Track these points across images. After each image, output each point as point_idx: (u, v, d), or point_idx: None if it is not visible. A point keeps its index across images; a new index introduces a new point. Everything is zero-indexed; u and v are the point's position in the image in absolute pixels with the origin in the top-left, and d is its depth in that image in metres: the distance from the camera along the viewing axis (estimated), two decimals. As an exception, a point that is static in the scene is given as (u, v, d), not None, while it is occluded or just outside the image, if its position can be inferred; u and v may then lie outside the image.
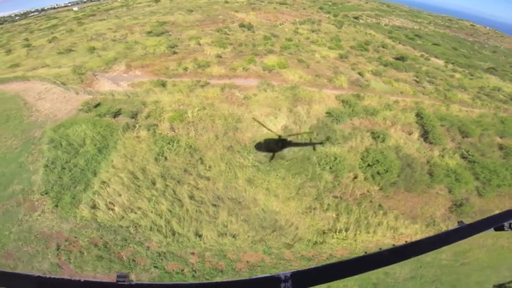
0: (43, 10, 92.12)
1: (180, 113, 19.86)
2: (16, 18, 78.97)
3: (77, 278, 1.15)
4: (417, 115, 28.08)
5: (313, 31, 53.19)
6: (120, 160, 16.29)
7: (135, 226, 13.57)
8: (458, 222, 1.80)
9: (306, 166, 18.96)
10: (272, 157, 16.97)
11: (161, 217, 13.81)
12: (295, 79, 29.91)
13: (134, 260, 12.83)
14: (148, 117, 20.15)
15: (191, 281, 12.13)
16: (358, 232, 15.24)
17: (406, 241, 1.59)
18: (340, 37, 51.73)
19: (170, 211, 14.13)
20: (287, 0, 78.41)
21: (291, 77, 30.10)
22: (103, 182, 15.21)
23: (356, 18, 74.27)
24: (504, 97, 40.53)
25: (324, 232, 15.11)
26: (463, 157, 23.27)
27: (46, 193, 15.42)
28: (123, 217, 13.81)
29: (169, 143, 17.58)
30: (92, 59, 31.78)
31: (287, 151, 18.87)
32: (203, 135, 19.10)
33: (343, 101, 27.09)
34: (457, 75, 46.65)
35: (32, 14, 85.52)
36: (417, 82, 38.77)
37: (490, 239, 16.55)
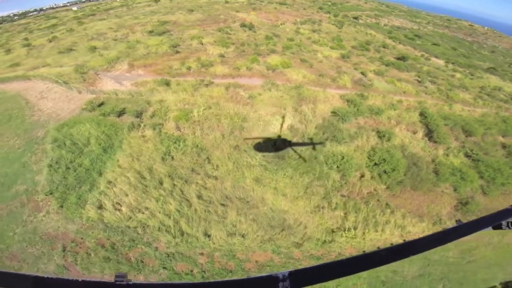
0: (41, 10, 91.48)
1: (186, 112, 19.66)
2: (15, 18, 78.27)
3: (75, 278, 1.14)
4: (421, 114, 28.28)
5: (314, 31, 53.28)
6: (126, 160, 16.04)
7: (143, 227, 13.32)
8: (456, 220, 1.80)
9: (314, 165, 18.87)
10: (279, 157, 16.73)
11: (169, 217, 13.58)
12: (299, 78, 29.87)
13: (142, 261, 12.58)
14: (153, 116, 19.92)
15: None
16: (367, 230, 15.24)
17: (404, 240, 1.57)
18: (341, 37, 51.86)
19: (179, 211, 13.91)
20: (287, 0, 78.58)
21: (295, 77, 30.07)
22: (109, 182, 14.95)
23: (355, 18, 74.59)
24: (505, 96, 40.85)
25: (333, 231, 15.10)
26: (467, 155, 23.49)
27: (50, 194, 15.13)
28: (130, 218, 13.55)
29: (175, 143, 17.36)
30: (93, 58, 31.48)
31: (287, 151, 18.78)
32: (209, 134, 18.91)
33: (347, 101, 27.17)
34: (458, 75, 46.95)
35: (31, 14, 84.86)
36: (419, 82, 38.94)
37: (496, 237, 16.62)
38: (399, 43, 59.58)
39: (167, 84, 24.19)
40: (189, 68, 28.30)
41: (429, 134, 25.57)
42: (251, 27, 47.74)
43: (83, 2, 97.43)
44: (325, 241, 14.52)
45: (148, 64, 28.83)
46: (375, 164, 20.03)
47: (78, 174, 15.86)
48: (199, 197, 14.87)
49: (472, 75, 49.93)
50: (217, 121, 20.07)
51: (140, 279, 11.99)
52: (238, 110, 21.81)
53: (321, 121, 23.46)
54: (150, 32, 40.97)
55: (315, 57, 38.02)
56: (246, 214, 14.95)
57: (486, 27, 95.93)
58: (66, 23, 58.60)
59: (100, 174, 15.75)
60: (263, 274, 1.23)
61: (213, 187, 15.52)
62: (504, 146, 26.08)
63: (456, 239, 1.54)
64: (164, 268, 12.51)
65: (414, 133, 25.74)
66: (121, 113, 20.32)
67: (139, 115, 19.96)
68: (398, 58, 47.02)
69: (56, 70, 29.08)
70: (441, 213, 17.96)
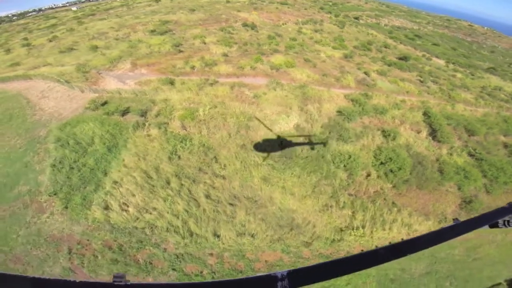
0: (40, 10, 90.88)
1: (191, 111, 19.38)
2: (14, 18, 77.62)
3: (72, 279, 1.13)
4: (424, 114, 28.46)
5: (316, 31, 53.28)
6: (132, 159, 15.71)
7: (151, 227, 12.99)
8: (453, 219, 1.79)
9: (321, 164, 18.72)
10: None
11: (177, 218, 13.27)
12: (303, 78, 29.74)
13: (151, 263, 12.25)
14: (158, 115, 19.61)
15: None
16: (375, 229, 15.26)
17: (402, 239, 1.56)
18: (343, 37, 51.89)
19: (187, 211, 13.60)
20: (288, 0, 78.68)
21: (299, 76, 29.94)
22: (115, 182, 14.61)
23: (356, 18, 74.79)
24: (506, 96, 41.09)
25: (341, 230, 15.07)
26: (470, 155, 23.70)
27: (54, 194, 14.75)
28: (137, 218, 13.22)
29: (181, 142, 17.06)
30: (95, 58, 31.12)
31: (287, 151, 18.58)
32: (215, 133, 18.64)
33: (352, 100, 27.15)
34: (459, 75, 47.13)
35: (29, 14, 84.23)
36: (421, 82, 39.03)
37: (499, 235, 16.80)
38: (400, 43, 59.77)
39: (172, 83, 23.90)
40: (193, 67, 28.04)
41: (433, 134, 25.72)
42: (253, 26, 47.62)
43: (82, 2, 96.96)
44: (334, 240, 14.51)
45: (151, 63, 28.54)
46: (382, 163, 20.08)
47: (83, 174, 15.50)
48: (207, 196, 14.58)
49: (472, 75, 50.15)
50: (223, 120, 19.81)
51: (149, 281, 11.68)
52: (244, 109, 21.58)
53: (327, 121, 23.36)
54: (152, 31, 40.68)
55: (318, 57, 37.94)
56: (255, 214, 14.75)
57: (485, 27, 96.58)
58: (66, 23, 58.15)
59: (105, 174, 15.39)
60: (263, 273, 1.22)
61: (221, 186, 15.24)
62: (506, 146, 26.38)
63: (454, 238, 1.53)
64: (173, 269, 12.20)
65: (418, 132, 25.84)
66: (125, 112, 19.99)
67: (143, 114, 19.64)
68: (400, 58, 47.10)
69: (57, 69, 28.69)
70: (446, 211, 18.07)
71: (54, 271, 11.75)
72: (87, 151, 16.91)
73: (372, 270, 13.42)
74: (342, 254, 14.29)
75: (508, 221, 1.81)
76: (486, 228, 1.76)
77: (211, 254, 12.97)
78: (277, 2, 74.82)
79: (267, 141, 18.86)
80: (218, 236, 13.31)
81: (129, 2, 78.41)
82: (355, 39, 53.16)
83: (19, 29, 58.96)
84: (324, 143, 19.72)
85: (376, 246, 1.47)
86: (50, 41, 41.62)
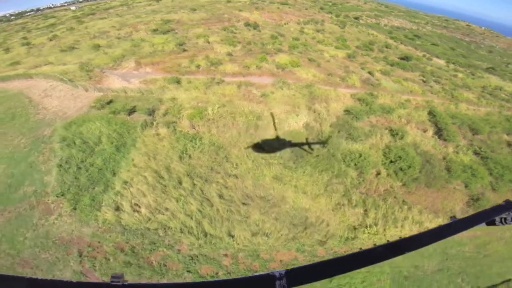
0: (38, 10, 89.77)
1: (200, 110, 19.07)
2: (12, 18, 76.52)
3: (69, 279, 1.12)
4: (429, 113, 28.64)
5: (318, 31, 53.36)
6: (142, 159, 15.32)
7: (164, 228, 12.62)
8: (450, 217, 1.78)
9: (332, 163, 18.59)
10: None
11: (191, 218, 12.93)
12: (309, 77, 29.65)
13: (165, 265, 11.88)
14: (166, 114, 19.25)
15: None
16: (387, 226, 15.27)
17: (400, 237, 1.52)
18: (344, 37, 52.04)
19: (200, 211, 13.27)
20: (288, 0, 78.84)
21: (304, 76, 29.84)
22: (125, 182, 14.20)
23: (356, 18, 75.17)
24: (506, 96, 41.55)
25: (354, 228, 15.05)
26: (475, 153, 23.91)
27: (62, 195, 14.29)
28: (150, 219, 12.84)
29: (191, 141, 16.74)
30: (98, 56, 30.64)
31: (288, 151, 18.37)
32: (225, 132, 18.35)
33: (358, 99, 27.21)
34: (460, 75, 47.52)
35: (27, 14, 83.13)
36: (424, 81, 39.26)
37: (508, 232, 16.84)
38: (401, 43, 60.16)
39: (178, 82, 23.56)
40: (198, 66, 27.73)
41: (439, 133, 25.88)
42: (255, 26, 47.49)
43: (81, 2, 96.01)
44: (347, 238, 14.48)
45: (155, 62, 28.16)
46: (391, 161, 20.14)
47: (91, 174, 15.07)
48: (221, 196, 14.27)
49: (473, 75, 50.62)
50: (232, 119, 19.54)
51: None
52: (252, 108, 21.36)
53: (335, 120, 23.29)
54: (154, 30, 40.30)
55: (322, 57, 37.92)
56: (268, 213, 14.53)
57: (483, 27, 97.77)
58: (65, 22, 57.42)
59: (114, 174, 14.99)
60: (260, 273, 1.21)
61: (234, 186, 14.95)
62: (509, 144, 26.74)
63: (451, 235, 1.55)
64: (188, 271, 11.84)
65: (424, 131, 25.99)
66: (131, 111, 19.60)
67: (151, 113, 19.27)
68: (402, 58, 47.34)
69: (59, 68, 28.15)
70: (455, 209, 18.20)
71: (65, 275, 11.32)
72: (94, 150, 16.48)
73: (386, 268, 13.48)
74: (356, 252, 14.24)
75: (505, 219, 1.80)
76: (483, 225, 1.75)
77: (226, 255, 12.67)
78: (278, 2, 74.91)
79: (266, 141, 18.68)
80: (233, 236, 13.01)
81: (129, 1, 77.83)
82: (357, 39, 53.36)
83: (18, 28, 58.05)
84: (323, 143, 19.59)
85: (374, 244, 1.45)
86: (51, 40, 40.97)
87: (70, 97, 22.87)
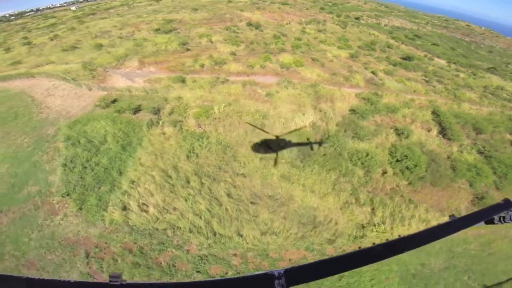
0: (38, 10, 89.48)
1: (206, 109, 18.87)
2: (12, 18, 76.15)
3: (67, 279, 1.13)
4: (433, 112, 28.67)
5: (320, 31, 53.39)
6: (148, 158, 15.09)
7: (173, 228, 12.37)
8: (449, 216, 1.80)
9: (340, 162, 18.48)
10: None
11: (200, 218, 12.70)
12: (313, 77, 29.58)
13: (174, 266, 11.63)
14: (171, 113, 19.03)
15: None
16: (394, 225, 15.27)
17: (399, 235, 1.56)
18: (346, 37, 52.08)
19: (209, 210, 13.05)
20: (288, 0, 78.94)
21: (308, 75, 29.77)
22: (132, 182, 13.96)
23: (357, 18, 75.33)
24: (508, 96, 41.65)
25: (363, 226, 15.02)
26: (479, 152, 23.98)
27: (67, 195, 14.03)
28: (158, 219, 12.60)
29: (198, 140, 16.53)
30: (101, 56, 30.41)
31: (286, 151, 18.22)
32: (232, 131, 18.17)
33: (363, 99, 27.17)
34: (462, 75, 47.61)
35: (27, 14, 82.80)
36: (426, 81, 39.28)
37: None
38: (402, 43, 60.27)
39: (183, 81, 23.36)
40: (202, 65, 27.56)
41: (443, 132, 25.94)
42: (257, 26, 47.43)
43: (80, 2, 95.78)
44: (356, 236, 14.48)
45: (159, 61, 27.96)
46: (397, 160, 20.14)
47: (97, 174, 14.81)
48: (229, 195, 14.06)
49: (474, 75, 50.75)
50: (238, 118, 19.35)
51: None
52: (258, 107, 21.21)
53: (341, 119, 23.21)
54: (157, 30, 40.12)
55: (325, 57, 37.87)
56: (277, 212, 14.39)
57: (483, 27, 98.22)
58: (65, 22, 57.16)
59: (121, 173, 14.73)
60: (259, 272, 1.21)
61: (242, 185, 14.75)
62: (512, 143, 26.63)
63: (450, 234, 1.56)
64: (198, 272, 11.61)
65: (429, 130, 26.02)
66: (136, 110, 19.36)
67: (156, 112, 19.05)
68: (404, 58, 47.39)
69: (61, 67, 27.89)
70: (460, 207, 18.20)
71: (72, 277, 11.04)
72: (100, 149, 16.23)
73: (394, 266, 13.59)
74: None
75: (504, 217, 1.82)
76: (482, 224, 1.77)
77: (235, 255, 12.48)
78: (279, 2, 74.99)
79: (265, 142, 18.55)
80: (242, 236, 12.81)
81: (129, 1, 77.66)
82: (358, 39, 53.41)
83: (18, 28, 57.73)
84: (320, 143, 19.49)
85: (373, 243, 1.41)
86: (52, 39, 40.70)
87: (73, 96, 22.61)
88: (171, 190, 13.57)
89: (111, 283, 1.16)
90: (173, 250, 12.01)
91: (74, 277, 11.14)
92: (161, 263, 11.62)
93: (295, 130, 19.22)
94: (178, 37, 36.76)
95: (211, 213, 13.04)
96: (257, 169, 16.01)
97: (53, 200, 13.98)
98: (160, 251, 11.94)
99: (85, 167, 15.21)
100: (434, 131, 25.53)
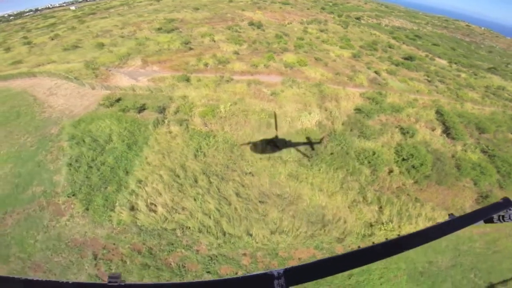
0: (37, 10, 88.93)
1: (212, 108, 18.68)
2: (11, 18, 75.59)
3: (66, 280, 1.12)
4: (437, 112, 28.80)
5: (321, 30, 53.38)
6: (156, 157, 14.86)
7: (182, 228, 12.15)
8: (449, 214, 1.79)
9: (347, 161, 18.39)
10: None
11: (209, 217, 12.49)
12: (317, 76, 29.52)
13: (184, 266, 11.41)
14: (177, 112, 18.82)
15: None
16: (402, 223, 15.29)
17: (398, 235, 1.54)
18: (348, 37, 52.10)
19: (218, 210, 12.84)
20: (289, 0, 78.96)
21: (313, 75, 29.70)
22: (140, 181, 13.72)
23: (358, 18, 75.48)
24: (509, 96, 41.85)
25: (371, 225, 15.02)
26: (483, 151, 24.06)
27: (73, 195, 13.77)
28: (166, 219, 12.37)
29: (205, 139, 16.33)
30: (103, 55, 30.13)
31: (285, 151, 18.09)
32: (238, 130, 17.99)
33: (368, 98, 27.18)
34: (463, 75, 47.77)
35: (26, 14, 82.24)
36: (428, 81, 39.36)
37: None
38: (403, 43, 60.41)
39: (187, 80, 23.16)
40: (206, 64, 27.37)
41: (447, 131, 26.00)
42: (259, 25, 47.34)
43: (80, 2, 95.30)
44: (364, 235, 14.45)
45: (162, 60, 27.74)
46: (403, 159, 20.17)
47: (103, 173, 14.56)
48: (238, 194, 13.87)
49: (475, 75, 50.94)
50: (244, 117, 19.18)
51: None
52: (264, 106, 21.06)
53: (347, 118, 23.15)
54: (159, 29, 39.89)
55: (328, 56, 37.83)
56: (286, 211, 14.27)
57: (483, 28, 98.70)
58: (65, 22, 56.77)
59: (127, 172, 14.49)
60: (259, 272, 1.20)
61: (250, 184, 14.57)
62: (514, 143, 26.77)
63: (450, 233, 1.54)
64: (208, 272, 11.40)
65: (433, 130, 26.14)
66: (141, 109, 19.13)
67: (162, 111, 18.82)
68: (406, 58, 47.47)
69: (63, 66, 27.59)
70: (465, 206, 18.20)
71: (80, 279, 10.78)
72: (105, 149, 15.98)
73: (402, 264, 13.67)
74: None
75: (503, 216, 1.81)
76: (481, 223, 1.77)
77: (245, 254, 12.31)
78: (279, 2, 74.99)
79: (265, 142, 18.43)
80: (251, 235, 12.64)
81: (129, 1, 77.32)
82: (360, 39, 53.45)
83: (17, 28, 57.24)
84: (319, 142, 19.41)
85: (373, 243, 1.42)
86: (52, 39, 40.34)
87: (76, 95, 22.33)
88: (180, 189, 13.35)
89: (110, 284, 1.13)
90: (183, 250, 11.79)
91: (82, 279, 10.89)
92: (170, 264, 11.40)
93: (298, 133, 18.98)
94: (180, 36, 36.55)
95: (220, 213, 12.84)
96: (265, 168, 15.85)
97: (58, 201, 13.71)
98: (169, 251, 11.71)
99: (91, 167, 14.95)
100: (438, 131, 25.59)
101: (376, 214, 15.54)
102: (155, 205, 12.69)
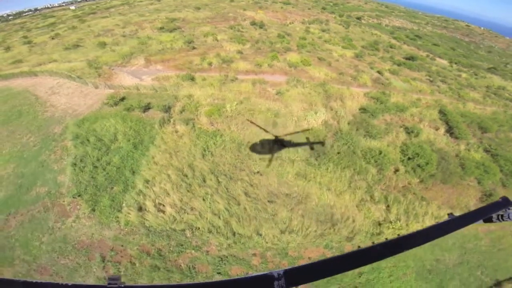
0: (36, 10, 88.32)
1: (218, 107, 18.46)
2: (9, 18, 74.95)
3: (64, 282, 1.11)
4: (440, 112, 28.84)
5: (323, 30, 53.37)
6: (163, 156, 14.60)
7: (191, 229, 11.90)
8: (448, 214, 1.79)
9: (354, 160, 18.28)
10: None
11: (219, 217, 12.25)
12: (321, 76, 29.42)
13: (194, 268, 11.17)
14: (182, 111, 18.58)
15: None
16: (409, 221, 15.33)
17: (398, 235, 1.53)
18: (350, 36, 52.12)
19: (228, 210, 12.61)
20: (290, 0, 78.97)
21: (317, 74, 29.61)
22: (147, 181, 13.45)
23: (358, 18, 75.64)
24: (510, 95, 42.05)
25: (379, 224, 15.00)
26: (486, 150, 24.20)
27: (78, 196, 13.47)
28: (175, 219, 12.12)
29: (212, 138, 16.10)
30: (105, 54, 29.82)
31: (285, 152, 17.91)
32: (245, 129, 17.77)
33: (372, 98, 27.14)
34: (464, 75, 47.96)
35: (25, 14, 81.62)
36: (430, 81, 39.44)
37: None
38: (404, 43, 60.55)
39: (192, 79, 22.92)
40: (210, 63, 27.15)
41: (450, 131, 26.07)
42: (261, 25, 47.22)
43: (79, 1, 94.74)
44: (373, 233, 14.42)
45: (166, 59, 27.48)
46: (409, 158, 20.19)
47: (108, 173, 14.27)
48: (246, 194, 13.65)
49: (476, 75, 51.16)
50: (251, 116, 18.98)
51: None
52: (269, 106, 20.88)
53: (352, 118, 23.06)
54: (161, 28, 39.63)
55: (331, 56, 37.76)
56: (294, 210, 14.12)
57: (482, 28, 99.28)
58: (65, 21, 56.32)
59: (134, 172, 14.21)
60: (259, 273, 1.21)
61: (258, 183, 14.36)
62: (517, 142, 26.90)
63: (449, 233, 1.54)
64: (218, 273, 11.17)
65: (436, 129, 26.22)
66: (146, 108, 18.86)
67: (167, 110, 18.57)
68: (407, 58, 47.54)
69: (66, 65, 27.25)
70: (469, 204, 18.21)
71: (88, 282, 10.50)
72: (110, 148, 15.69)
73: (411, 262, 13.78)
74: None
75: (502, 216, 1.81)
76: (480, 222, 1.76)
77: (255, 254, 12.13)
78: (280, 1, 74.98)
79: (265, 141, 18.27)
80: (261, 235, 12.44)
81: (130, 0, 76.96)
82: (362, 39, 53.50)
83: (16, 28, 56.74)
84: (322, 143, 19.26)
85: (373, 243, 1.45)
86: (53, 38, 39.94)
87: (79, 94, 22.01)
88: (188, 189, 13.10)
89: (110, 285, 1.12)
90: (192, 251, 11.55)
91: (90, 282, 10.60)
92: (180, 266, 11.15)
93: (295, 133, 18.91)
94: (183, 36, 36.32)
95: (230, 213, 12.61)
96: (272, 167, 15.65)
97: (63, 202, 13.41)
98: (179, 253, 11.46)
99: (96, 167, 14.66)
100: (442, 130, 25.63)
101: (384, 213, 15.54)
102: (164, 205, 12.43)
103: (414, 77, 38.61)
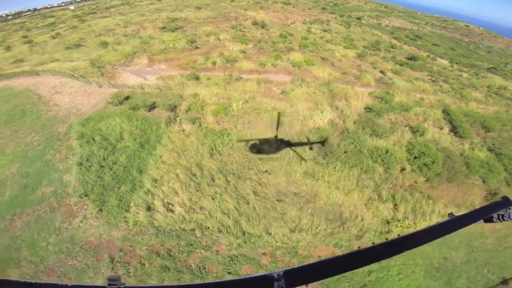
0: (35, 10, 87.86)
1: (224, 107, 18.35)
2: (9, 17, 74.49)
3: (64, 282, 1.10)
4: (444, 111, 28.99)
5: (325, 30, 53.46)
6: (171, 155, 14.45)
7: (201, 229, 11.75)
8: (448, 214, 1.78)
9: (361, 159, 18.26)
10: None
11: (228, 217, 12.12)
12: (325, 76, 29.43)
13: (204, 268, 11.02)
14: (188, 110, 18.44)
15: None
16: (417, 220, 15.36)
17: (398, 235, 1.52)
18: (351, 37, 52.24)
19: (237, 209, 12.48)
20: (290, 0, 79.10)
21: (320, 74, 29.62)
22: (155, 180, 13.29)
23: (358, 18, 75.88)
24: (511, 95, 42.31)
25: (388, 222, 15.01)
26: (489, 149, 24.31)
27: (85, 196, 13.28)
28: (185, 219, 11.97)
29: (219, 137, 15.98)
30: (108, 53, 29.62)
31: (285, 152, 17.80)
32: (251, 128, 17.68)
33: (376, 97, 27.19)
34: (465, 75, 48.21)
35: (25, 14, 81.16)
36: (433, 81, 39.59)
37: None
38: (404, 43, 60.80)
39: (197, 78, 22.79)
40: (214, 63, 27.04)
41: (454, 130, 26.16)
42: (263, 25, 47.21)
43: (79, 1, 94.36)
44: (382, 232, 14.46)
45: (169, 59, 27.34)
46: (415, 157, 20.22)
47: (115, 173, 14.09)
48: (255, 193, 13.54)
49: (477, 74, 51.45)
50: (256, 115, 18.88)
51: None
52: (275, 105, 20.81)
53: (357, 117, 23.08)
54: (162, 28, 39.49)
55: (333, 56, 37.82)
56: (304, 209, 14.05)
57: (481, 28, 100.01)
58: (65, 21, 55.99)
59: (141, 172, 14.05)
60: (259, 274, 1.20)
61: (267, 182, 14.25)
62: (519, 141, 27.12)
63: (450, 233, 1.54)
64: (229, 273, 11.03)
65: (441, 128, 26.33)
66: (151, 107, 18.71)
67: (173, 109, 18.42)
68: (409, 58, 47.72)
69: (68, 64, 27.03)
70: (474, 203, 18.31)
71: (96, 283, 10.31)
72: (116, 147, 15.52)
73: (419, 260, 13.87)
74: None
75: (502, 215, 1.79)
76: (481, 222, 1.76)
77: (264, 254, 12.02)
78: (281, 1, 75.08)
79: (265, 141, 18.16)
80: (270, 234, 12.34)
81: (130, 0, 76.73)
82: (363, 39, 53.64)
83: (16, 28, 56.31)
84: (322, 143, 19.22)
85: (373, 243, 1.43)
86: (53, 38, 39.67)
87: (82, 93, 21.81)
88: (197, 188, 12.96)
89: (110, 286, 1.11)
90: (202, 251, 11.40)
91: (99, 283, 10.41)
92: (191, 266, 10.99)
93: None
94: (185, 35, 36.19)
95: (239, 212, 12.48)
96: (280, 166, 15.56)
97: (70, 201, 13.21)
98: (189, 252, 11.31)
99: (103, 166, 14.48)
100: (446, 129, 25.74)
101: (391, 212, 15.58)
102: (173, 205, 12.28)
103: (417, 77, 38.74)
